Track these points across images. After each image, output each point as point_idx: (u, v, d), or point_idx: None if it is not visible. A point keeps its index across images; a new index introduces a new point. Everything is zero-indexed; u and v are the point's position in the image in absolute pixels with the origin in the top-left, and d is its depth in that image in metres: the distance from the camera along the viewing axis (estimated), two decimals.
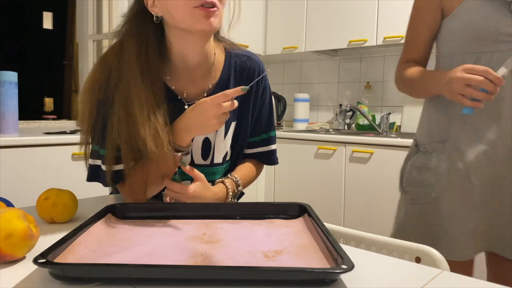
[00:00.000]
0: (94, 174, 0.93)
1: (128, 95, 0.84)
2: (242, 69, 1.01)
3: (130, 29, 0.90)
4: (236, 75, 1.00)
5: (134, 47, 0.87)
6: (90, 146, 0.92)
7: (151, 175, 0.87)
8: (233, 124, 1.02)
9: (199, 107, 0.82)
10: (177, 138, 0.85)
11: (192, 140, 0.85)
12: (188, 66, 0.94)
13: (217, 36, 1.01)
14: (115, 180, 0.89)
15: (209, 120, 0.81)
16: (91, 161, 0.93)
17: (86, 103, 0.88)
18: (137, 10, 0.90)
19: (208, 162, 1.00)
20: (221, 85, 0.98)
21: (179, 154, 0.85)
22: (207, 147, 0.99)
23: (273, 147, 1.10)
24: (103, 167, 0.89)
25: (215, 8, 0.82)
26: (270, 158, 1.10)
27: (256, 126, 1.06)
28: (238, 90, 0.78)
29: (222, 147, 1.01)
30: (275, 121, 1.12)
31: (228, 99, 0.79)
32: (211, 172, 1.01)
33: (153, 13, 0.88)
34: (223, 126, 0.99)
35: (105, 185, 0.93)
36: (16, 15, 4.44)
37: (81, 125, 0.92)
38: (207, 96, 0.88)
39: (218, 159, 1.01)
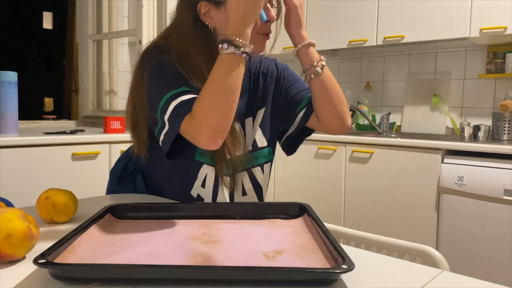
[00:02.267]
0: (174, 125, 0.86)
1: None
2: (257, 71, 1.09)
3: (194, 40, 0.93)
4: (254, 78, 1.08)
5: (203, 59, 0.91)
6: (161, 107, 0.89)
7: (220, 86, 0.82)
8: (259, 112, 1.06)
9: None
10: (236, 33, 0.82)
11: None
12: None
13: None
14: (184, 111, 0.84)
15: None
16: (165, 117, 0.87)
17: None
18: (194, 18, 0.93)
19: (239, 152, 1.03)
20: (243, 90, 1.03)
21: (242, 52, 0.82)
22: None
23: None
24: (171, 107, 0.85)
25: (269, 36, 0.96)
26: None
27: (298, 94, 1.09)
28: None
29: (250, 136, 1.05)
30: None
31: None
32: (246, 160, 1.04)
33: (205, 22, 0.93)
34: (251, 119, 1.05)
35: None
36: (16, 15, 4.44)
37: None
38: None
39: (248, 147, 1.05)
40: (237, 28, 0.82)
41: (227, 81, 0.81)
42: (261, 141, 1.07)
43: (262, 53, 1.07)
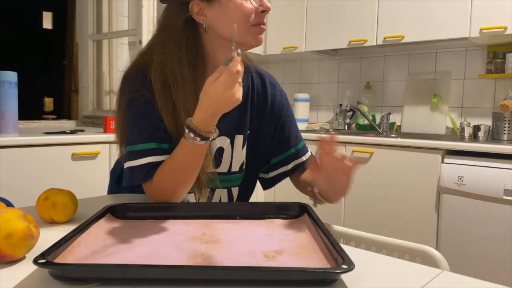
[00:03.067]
0: (131, 176, 0.91)
1: (181, 101, 0.88)
2: (258, 84, 1.05)
3: (179, 39, 0.91)
4: (253, 89, 1.04)
5: (186, 60, 0.90)
6: (123, 149, 0.95)
7: (180, 168, 0.86)
8: (251, 135, 1.04)
9: (214, 88, 0.77)
10: (203, 125, 0.81)
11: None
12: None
13: None
14: (147, 174, 0.89)
15: (232, 95, 0.77)
16: (128, 164, 0.91)
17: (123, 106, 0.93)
18: (185, 20, 0.91)
19: (224, 170, 1.02)
20: (243, 95, 0.98)
21: (207, 141, 0.82)
22: (219, 155, 1.00)
23: (303, 158, 1.10)
24: (138, 162, 0.89)
25: (265, 26, 0.91)
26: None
27: (282, 143, 1.08)
28: (236, 57, 0.76)
29: (240, 157, 1.03)
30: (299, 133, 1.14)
31: (236, 67, 0.76)
32: (228, 179, 1.03)
33: (199, 21, 0.90)
34: (242, 137, 1.02)
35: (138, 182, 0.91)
36: (16, 15, 4.44)
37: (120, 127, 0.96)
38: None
39: (235, 168, 1.03)
40: (206, 120, 0.80)
41: (187, 166, 0.86)
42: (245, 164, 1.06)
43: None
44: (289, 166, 1.09)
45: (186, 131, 0.81)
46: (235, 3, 0.87)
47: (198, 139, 0.81)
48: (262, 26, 0.91)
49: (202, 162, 0.87)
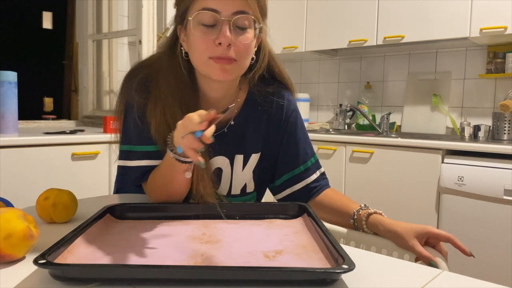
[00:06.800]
0: (124, 176, 0.93)
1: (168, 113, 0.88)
2: (263, 110, 1.00)
3: (166, 59, 0.92)
4: (256, 115, 0.99)
5: (168, 80, 0.90)
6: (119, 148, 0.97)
7: (164, 181, 0.87)
8: (254, 156, 0.99)
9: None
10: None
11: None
12: (209, 100, 0.95)
13: (247, 75, 0.98)
14: (142, 177, 0.91)
15: (179, 130, 0.73)
16: (121, 163, 0.94)
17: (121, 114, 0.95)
18: (174, 41, 0.93)
19: (223, 192, 0.98)
20: (239, 123, 0.96)
21: (181, 162, 0.80)
22: (218, 176, 0.96)
23: (313, 177, 1.02)
24: (132, 163, 0.92)
25: (231, 61, 0.84)
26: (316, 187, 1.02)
27: (290, 160, 1.02)
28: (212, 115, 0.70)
29: (240, 179, 0.99)
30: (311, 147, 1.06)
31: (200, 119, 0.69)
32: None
33: (183, 48, 0.90)
34: (242, 157, 0.98)
35: (133, 184, 0.93)
36: (16, 15, 4.44)
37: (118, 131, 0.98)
38: (227, 131, 0.95)
39: (235, 190, 0.99)
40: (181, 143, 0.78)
41: (167, 176, 0.86)
42: (250, 186, 1.01)
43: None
44: (296, 187, 1.02)
45: (168, 150, 0.81)
46: (194, 33, 0.83)
47: (173, 154, 0.79)
48: (217, 60, 0.83)
49: (182, 179, 0.85)
